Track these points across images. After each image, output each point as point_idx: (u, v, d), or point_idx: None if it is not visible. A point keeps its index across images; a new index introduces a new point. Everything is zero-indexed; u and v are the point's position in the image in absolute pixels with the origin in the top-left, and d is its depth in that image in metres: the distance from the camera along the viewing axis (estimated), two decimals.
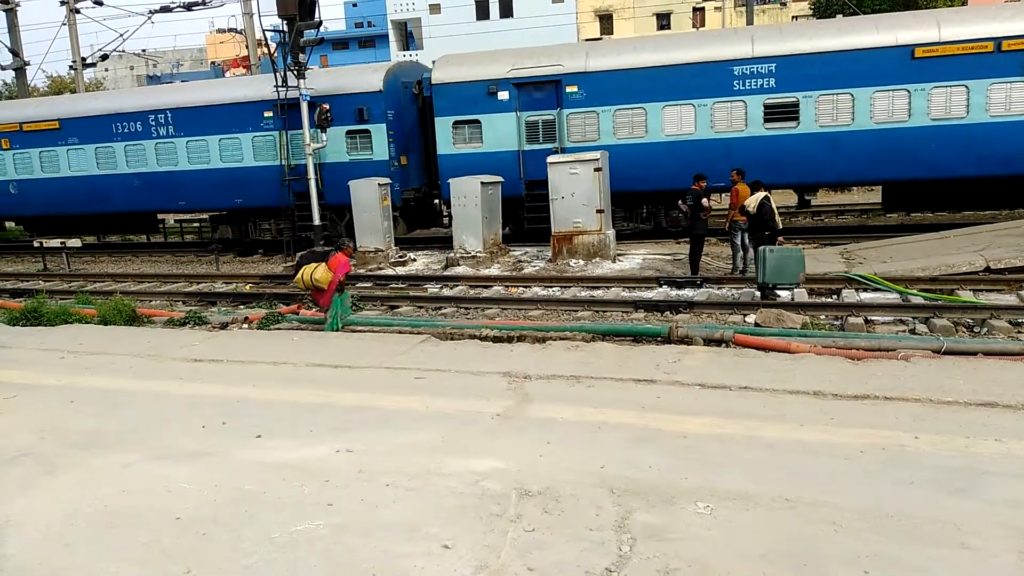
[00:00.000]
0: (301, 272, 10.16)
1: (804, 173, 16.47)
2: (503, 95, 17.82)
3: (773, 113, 16.23)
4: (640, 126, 17.05)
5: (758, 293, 11.61)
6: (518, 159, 17.86)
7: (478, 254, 16.00)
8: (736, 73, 16.33)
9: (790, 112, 16.12)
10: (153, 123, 20.54)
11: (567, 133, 17.49)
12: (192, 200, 20.64)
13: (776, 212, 12.71)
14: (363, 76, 19.08)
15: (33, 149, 21.99)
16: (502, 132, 17.94)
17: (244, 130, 19.70)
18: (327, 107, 17.95)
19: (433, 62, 19.07)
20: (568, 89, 17.34)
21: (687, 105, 16.70)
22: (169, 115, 20.35)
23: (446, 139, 18.34)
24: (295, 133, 18.55)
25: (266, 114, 19.33)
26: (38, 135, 21.83)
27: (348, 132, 18.84)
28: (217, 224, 21.65)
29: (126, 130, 20.82)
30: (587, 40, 20.18)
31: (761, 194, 12.64)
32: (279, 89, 17.91)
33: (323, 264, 9.95)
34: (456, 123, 18.20)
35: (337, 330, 9.91)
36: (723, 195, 16.12)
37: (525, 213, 17.98)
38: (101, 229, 24.23)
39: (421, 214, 20.91)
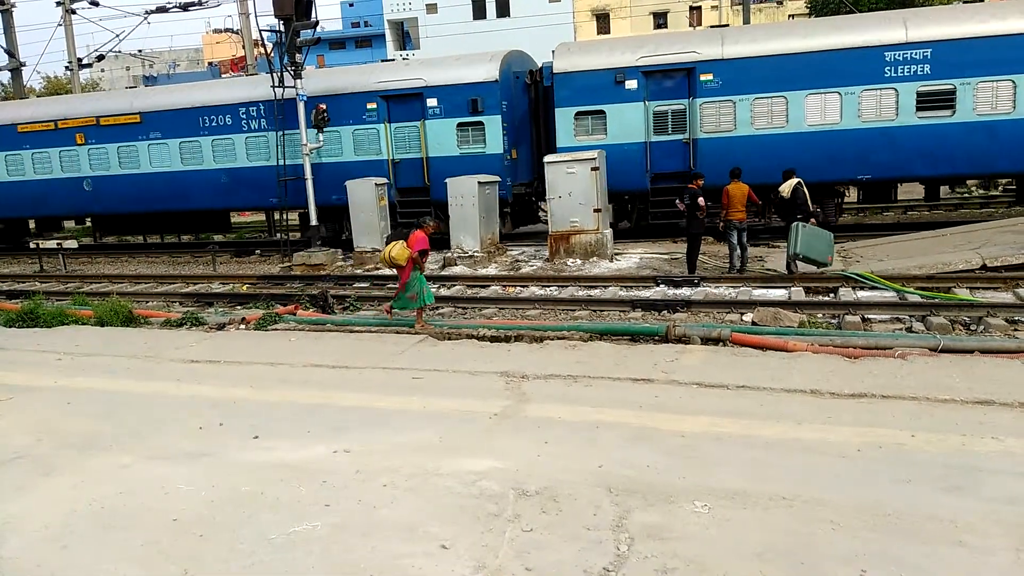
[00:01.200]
0: (385, 249, 10.52)
1: (958, 164, 15.80)
2: (631, 84, 17.03)
3: (927, 101, 15.53)
4: (780, 116, 16.32)
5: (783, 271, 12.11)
6: (644, 151, 17.13)
7: (475, 254, 16.00)
8: (888, 59, 15.60)
9: (945, 100, 15.44)
10: (244, 116, 19.63)
11: (699, 123, 16.76)
12: (286, 196, 19.06)
13: (808, 198, 13.08)
14: (476, 65, 18.23)
15: (110, 144, 21.03)
16: (628, 123, 17.13)
17: (344, 123, 18.89)
18: (323, 107, 17.94)
19: (553, 51, 18.10)
20: (702, 77, 16.60)
21: (832, 93, 15.91)
22: (262, 108, 19.36)
23: (567, 131, 17.45)
24: (400, 127, 18.40)
25: (369, 106, 18.68)
26: (116, 129, 20.87)
27: (459, 125, 18.10)
28: (308, 221, 19.93)
29: (214, 123, 19.92)
30: (715, 27, 19.22)
31: (794, 180, 13.06)
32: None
33: (402, 242, 10.15)
34: (578, 114, 17.36)
35: (425, 306, 10.32)
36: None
37: (650, 208, 17.35)
38: (174, 228, 23.31)
39: (527, 210, 20.23)
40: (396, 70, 19.26)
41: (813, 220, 12.81)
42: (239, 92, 20.12)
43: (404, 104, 18.39)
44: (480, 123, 18.03)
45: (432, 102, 18.22)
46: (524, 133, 19.01)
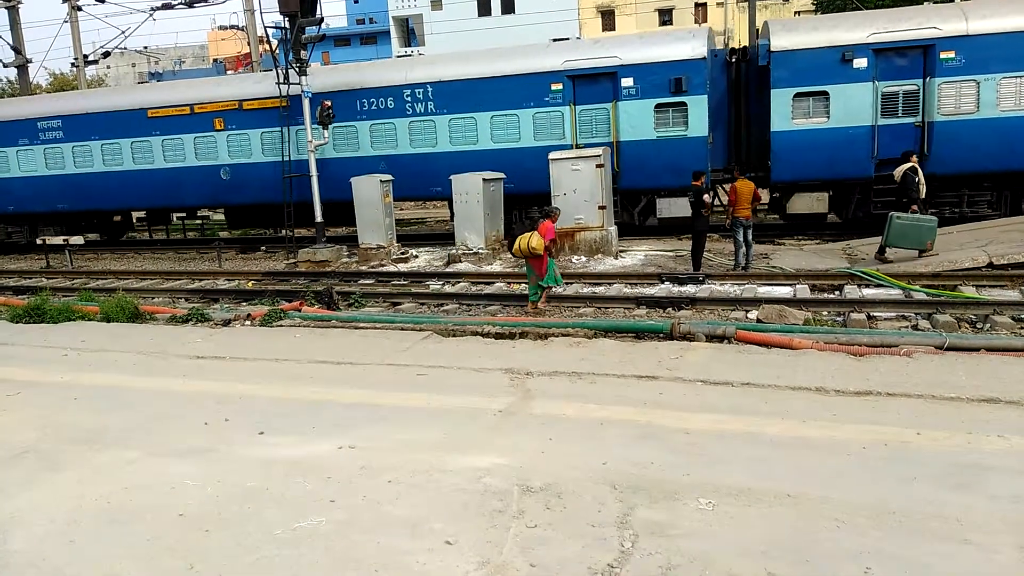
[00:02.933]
0: (517, 241, 11.08)
1: None
2: (860, 62, 15.85)
3: None
4: None
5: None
6: (871, 135, 16.01)
7: (480, 250, 16.00)
8: None
9: None
10: (409, 99, 18.54)
11: (936, 105, 15.59)
12: (445, 184, 17.36)
13: (922, 183, 13.09)
14: (681, 42, 17.09)
15: (254, 130, 19.84)
16: (854, 104, 15.99)
17: (523, 105, 17.77)
18: (328, 104, 17.92)
19: (767, 26, 17.07)
20: (942, 55, 15.45)
21: None
22: (429, 90, 18.34)
23: (783, 114, 16.29)
24: (587, 109, 17.32)
25: (554, 87, 17.42)
26: (263, 114, 19.60)
27: (658, 106, 16.90)
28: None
29: (373, 107, 18.86)
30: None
31: (908, 165, 13.11)
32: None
33: (535, 232, 10.92)
34: (797, 95, 16.23)
35: (557, 285, 11.20)
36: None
37: (873, 197, 16.27)
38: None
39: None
40: (586, 48, 18.06)
41: (914, 208, 12.71)
42: (396, 74, 18.98)
43: (593, 84, 17.22)
44: (682, 104, 16.83)
45: (627, 82, 17.02)
46: (721, 116, 17.70)
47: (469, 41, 36.80)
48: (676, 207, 16.92)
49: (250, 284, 15.57)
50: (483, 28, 44.01)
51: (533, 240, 10.79)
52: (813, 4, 39.45)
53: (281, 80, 17.91)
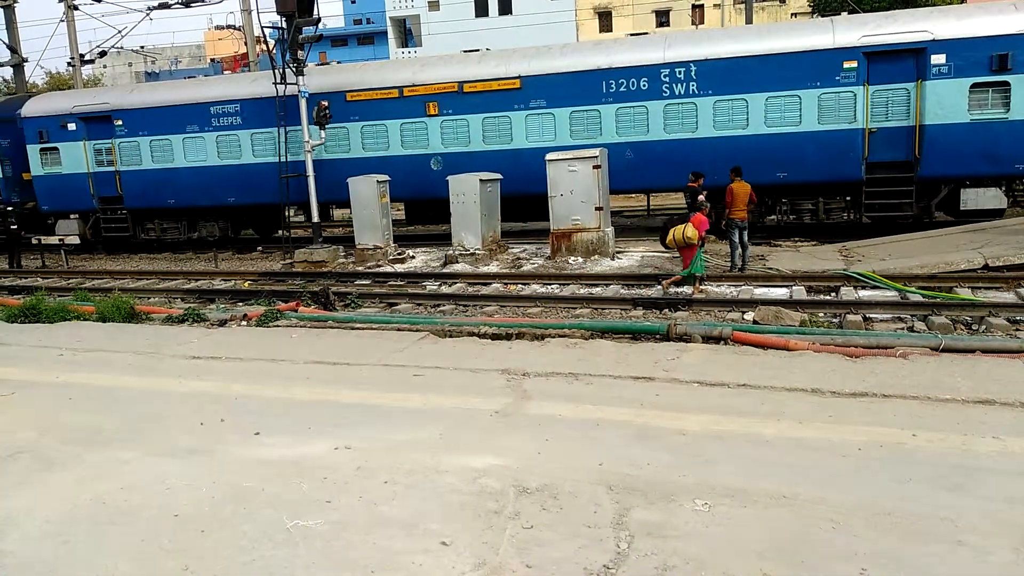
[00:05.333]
0: (672, 232, 12.05)
1: None
2: None
3: None
4: None
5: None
6: None
7: (477, 251, 15.99)
8: None
9: None
10: (667, 79, 16.67)
11: None
12: (707, 173, 15.78)
13: None
14: (1004, 14, 15.16)
15: (473, 115, 18.08)
16: None
17: (806, 85, 15.97)
18: (326, 104, 17.90)
19: None
20: None
21: None
22: (692, 69, 16.47)
23: None
24: (883, 89, 15.55)
25: (847, 65, 15.57)
26: (487, 97, 17.92)
27: (973, 86, 15.08)
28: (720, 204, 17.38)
29: (621, 88, 16.98)
30: None
31: None
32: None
33: (689, 224, 11.91)
34: None
35: (700, 275, 12.06)
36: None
37: None
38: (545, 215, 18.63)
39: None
40: (886, 23, 16.04)
41: None
42: (652, 54, 17.10)
43: (893, 62, 15.48)
44: (1004, 84, 15.00)
45: (938, 59, 15.23)
46: None
47: (466, 43, 36.83)
48: (984, 198, 15.49)
49: (246, 284, 15.55)
50: (480, 29, 44.01)
51: (688, 231, 11.73)
52: (809, 6, 39.57)
53: (278, 82, 17.82)
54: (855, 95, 15.71)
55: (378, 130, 18.93)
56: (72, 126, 21.45)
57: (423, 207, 20.08)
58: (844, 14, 18.70)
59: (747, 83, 16.23)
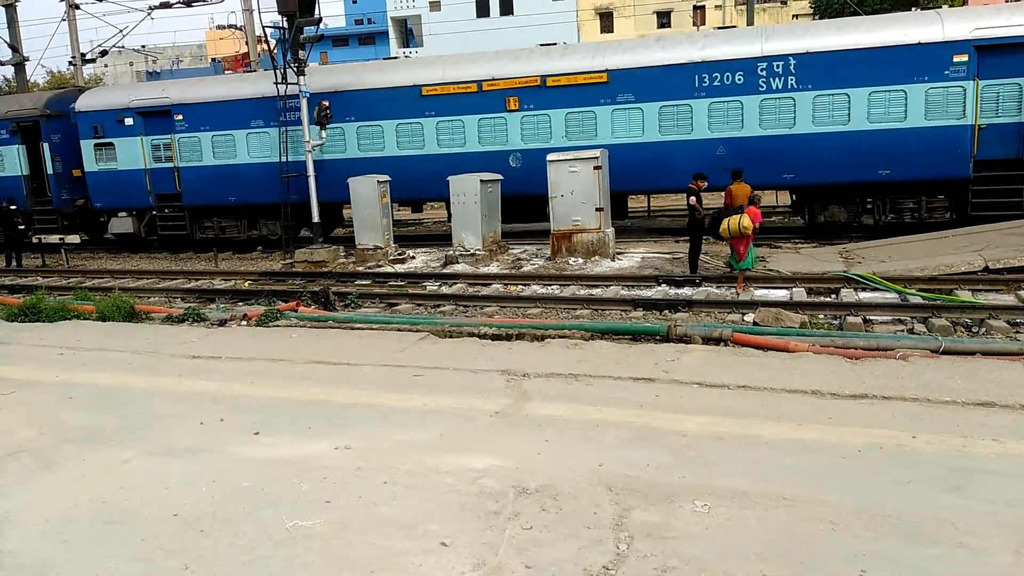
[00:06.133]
0: (726, 222, 12.15)
1: None
2: None
3: None
4: None
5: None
6: None
7: (477, 252, 16.00)
8: None
9: None
10: (764, 72, 16.10)
11: None
12: (805, 171, 15.88)
13: None
14: None
15: (555, 110, 17.55)
16: None
17: (912, 80, 15.37)
18: (326, 104, 17.91)
19: None
20: None
21: None
22: (791, 62, 15.96)
23: None
24: (993, 83, 14.99)
25: (956, 58, 15.04)
26: (571, 91, 17.39)
27: None
28: (816, 203, 16.82)
29: (715, 82, 16.45)
30: None
31: None
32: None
33: (744, 215, 12.03)
34: None
35: (750, 268, 12.61)
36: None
37: None
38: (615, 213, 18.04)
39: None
40: (999, 15, 15.48)
41: None
42: (748, 47, 16.51)
43: (1007, 55, 14.94)
44: None
45: None
46: None
47: (468, 43, 36.84)
48: None
49: (246, 284, 15.56)
50: (481, 29, 44.04)
51: (744, 220, 11.89)
52: (811, 7, 39.58)
53: (278, 80, 17.79)
54: (964, 90, 15.18)
55: (454, 126, 18.45)
56: (129, 121, 20.92)
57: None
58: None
59: (850, 77, 15.67)
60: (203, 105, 20.32)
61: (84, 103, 21.44)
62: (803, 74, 15.92)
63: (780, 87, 16.11)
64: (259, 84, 19.89)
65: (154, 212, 21.49)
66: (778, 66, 16.05)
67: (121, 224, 21.76)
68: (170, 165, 20.84)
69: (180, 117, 20.52)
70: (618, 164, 16.35)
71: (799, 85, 16.00)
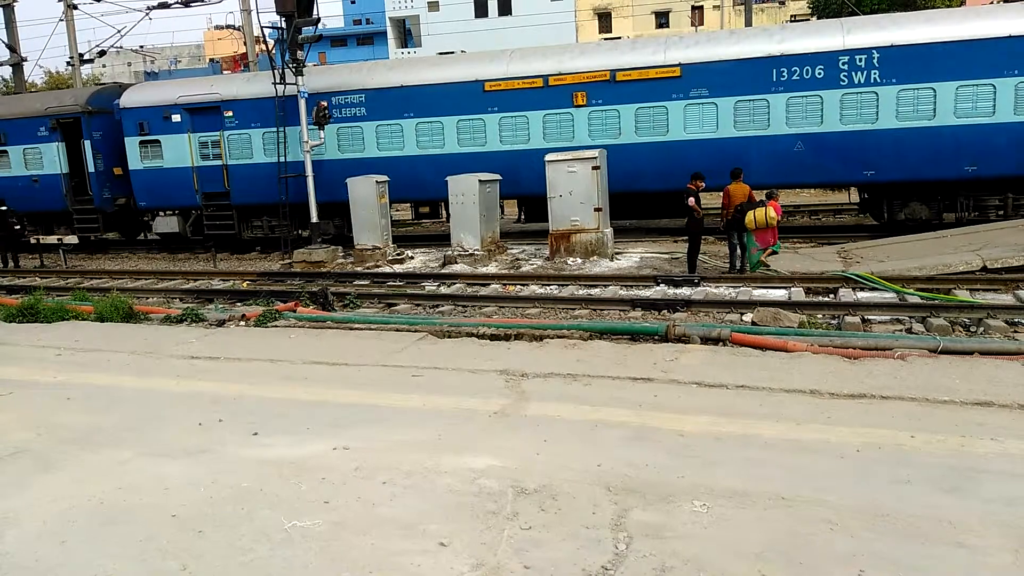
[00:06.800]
0: (753, 214, 12.93)
1: None
2: None
3: None
4: None
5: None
6: None
7: (476, 252, 16.00)
8: None
9: None
10: (845, 66, 15.69)
11: None
12: (887, 167, 15.56)
13: None
14: None
15: (625, 105, 17.01)
16: None
17: (1001, 73, 14.81)
18: (325, 104, 17.90)
19: None
20: None
21: None
22: (874, 56, 15.49)
23: None
24: None
25: None
26: (642, 86, 16.91)
27: None
28: (896, 200, 16.41)
29: (794, 76, 15.98)
30: None
31: None
32: None
33: (769, 207, 12.96)
34: None
35: (776, 251, 13.57)
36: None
37: None
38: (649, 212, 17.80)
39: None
40: None
41: None
42: (828, 40, 16.05)
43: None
44: None
45: None
46: None
47: (466, 43, 36.86)
48: None
49: (245, 284, 15.54)
50: (480, 30, 44.04)
51: (770, 212, 12.86)
52: (809, 7, 39.59)
53: (276, 80, 17.75)
54: None
55: (517, 122, 17.89)
56: (176, 117, 20.21)
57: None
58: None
59: (936, 71, 15.22)
60: (253, 101, 19.66)
61: (129, 99, 20.82)
62: (887, 68, 15.50)
63: (862, 81, 15.65)
64: (316, 78, 19.19)
65: (201, 211, 20.78)
66: (861, 60, 15.60)
67: (166, 224, 21.14)
68: (219, 163, 20.15)
69: (230, 113, 19.88)
70: (687, 161, 15.94)
71: (883, 79, 15.54)
